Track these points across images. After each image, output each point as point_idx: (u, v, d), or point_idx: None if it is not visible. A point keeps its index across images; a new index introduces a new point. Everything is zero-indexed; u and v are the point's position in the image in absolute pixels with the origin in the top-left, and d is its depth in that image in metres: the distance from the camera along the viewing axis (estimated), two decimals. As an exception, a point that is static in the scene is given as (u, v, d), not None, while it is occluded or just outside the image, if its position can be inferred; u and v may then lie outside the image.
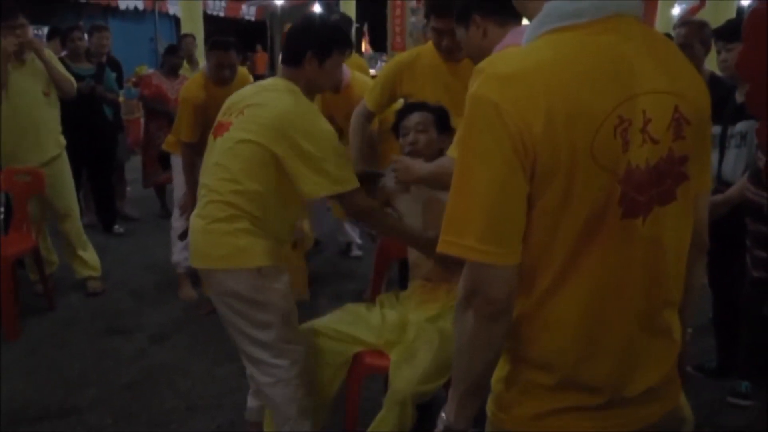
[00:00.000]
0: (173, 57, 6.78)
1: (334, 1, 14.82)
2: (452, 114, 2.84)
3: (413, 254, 2.91)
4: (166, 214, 6.57)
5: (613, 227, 1.21)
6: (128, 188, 7.18)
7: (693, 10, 10.80)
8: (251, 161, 2.46)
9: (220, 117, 2.64)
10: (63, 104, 4.75)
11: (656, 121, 1.23)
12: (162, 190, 7.00)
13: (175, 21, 16.02)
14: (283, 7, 20.67)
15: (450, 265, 2.67)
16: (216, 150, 2.55)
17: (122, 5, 15.41)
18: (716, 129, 3.44)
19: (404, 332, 2.65)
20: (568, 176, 1.17)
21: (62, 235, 4.77)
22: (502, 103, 1.17)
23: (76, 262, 4.84)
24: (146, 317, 4.41)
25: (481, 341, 1.26)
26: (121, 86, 7.28)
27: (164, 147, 5.52)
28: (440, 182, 2.52)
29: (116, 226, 6.38)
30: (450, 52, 3.22)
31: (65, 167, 4.72)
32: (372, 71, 13.80)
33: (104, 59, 6.46)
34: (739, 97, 3.31)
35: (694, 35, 3.67)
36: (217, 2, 17.91)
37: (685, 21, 4.06)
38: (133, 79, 8.87)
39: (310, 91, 2.61)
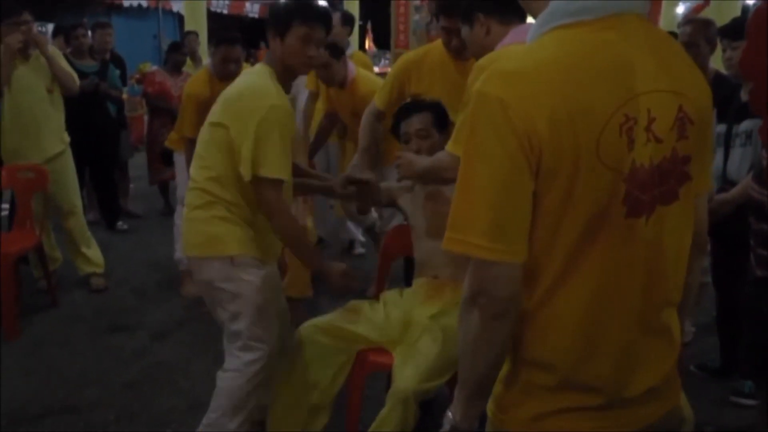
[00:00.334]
0: (176, 54, 6.78)
1: (338, -1, 14.81)
2: (459, 111, 2.85)
3: (420, 252, 2.91)
4: (169, 211, 6.57)
5: (616, 226, 1.21)
6: (131, 185, 7.18)
7: (697, 9, 10.76)
8: (220, 145, 2.49)
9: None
10: (66, 101, 4.75)
11: (660, 120, 1.23)
12: (165, 187, 7.01)
13: (179, 18, 16.02)
14: (286, 5, 20.67)
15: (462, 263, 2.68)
16: (199, 139, 2.64)
17: (126, 2, 15.42)
18: (721, 128, 3.43)
19: (407, 330, 2.65)
20: (573, 174, 1.17)
21: (66, 231, 4.78)
22: (508, 100, 1.16)
23: (79, 259, 4.84)
24: (148, 315, 4.41)
25: (487, 341, 1.26)
26: (124, 83, 7.29)
27: (167, 144, 5.52)
28: (438, 177, 2.54)
29: (119, 223, 6.38)
30: (459, 51, 3.24)
31: (69, 164, 4.73)
32: (375, 69, 13.79)
33: (108, 56, 6.46)
34: (744, 95, 3.30)
35: (698, 33, 3.66)
36: (221, 0, 17.91)
37: (689, 19, 4.06)
38: (137, 76, 8.89)
39: (286, 73, 2.56)
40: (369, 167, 3.32)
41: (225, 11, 18.34)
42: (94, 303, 4.64)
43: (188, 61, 7.15)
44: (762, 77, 2.38)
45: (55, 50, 4.77)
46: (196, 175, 2.58)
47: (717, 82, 3.65)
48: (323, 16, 2.54)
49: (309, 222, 4.35)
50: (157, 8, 17.08)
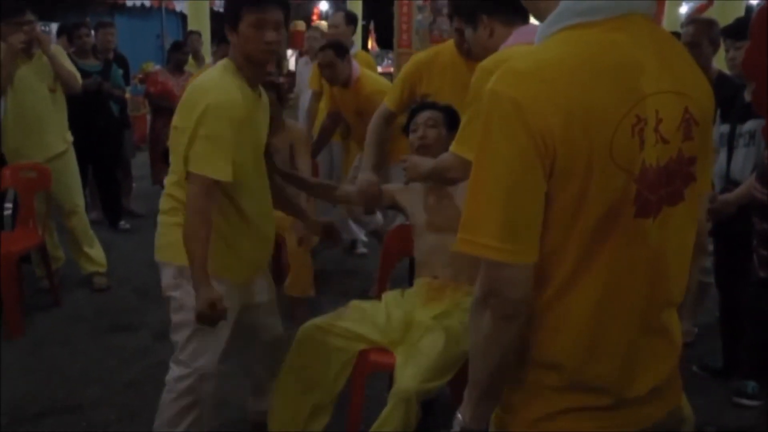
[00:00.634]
0: (178, 53, 6.79)
1: (341, -2, 14.82)
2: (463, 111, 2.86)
3: (420, 252, 2.91)
4: (172, 211, 6.58)
5: (625, 227, 1.21)
6: (134, 184, 7.19)
7: (700, 9, 10.77)
8: (177, 147, 2.45)
9: None
10: (69, 100, 4.76)
11: (667, 121, 1.23)
12: (167, 187, 7.00)
13: (182, 18, 16.03)
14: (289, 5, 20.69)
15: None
16: None
17: (129, 2, 15.44)
18: (725, 128, 3.42)
19: (409, 331, 2.65)
20: (586, 175, 1.17)
21: (68, 231, 4.78)
22: (522, 99, 1.16)
23: (82, 258, 4.85)
24: (150, 314, 4.41)
25: (498, 342, 1.25)
26: (127, 83, 7.29)
27: (169, 144, 5.52)
28: (443, 177, 2.55)
29: (122, 222, 6.38)
30: (471, 52, 3.24)
31: (71, 163, 4.73)
32: (378, 68, 13.78)
33: (111, 56, 6.47)
34: (748, 96, 3.30)
35: (702, 34, 3.65)
36: (224, -1, 17.96)
37: (692, 19, 4.05)
38: (140, 76, 8.90)
39: (248, 64, 2.45)
40: (372, 168, 3.32)
41: (228, 11, 18.33)
42: (97, 302, 4.64)
43: (191, 60, 7.17)
44: (765, 77, 2.38)
45: (58, 49, 4.77)
46: (167, 179, 2.58)
47: (720, 82, 3.65)
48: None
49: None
50: (160, 8, 17.08)
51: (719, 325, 3.68)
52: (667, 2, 11.78)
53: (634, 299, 1.27)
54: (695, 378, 3.51)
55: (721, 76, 3.79)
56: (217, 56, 4.61)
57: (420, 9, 6.75)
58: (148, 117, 7.63)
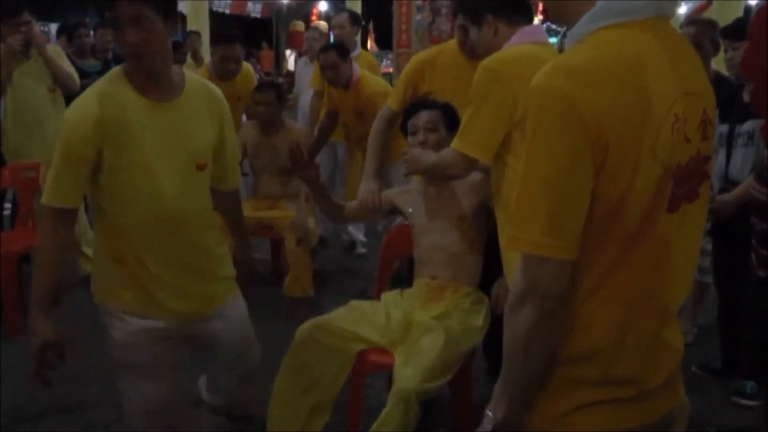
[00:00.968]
0: (176, 53, 6.76)
1: (340, -2, 14.83)
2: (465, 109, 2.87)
3: (420, 251, 2.92)
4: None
5: (659, 223, 1.26)
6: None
7: (700, 9, 10.77)
8: None
9: None
10: (69, 101, 4.75)
11: (690, 121, 1.27)
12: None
13: (181, 18, 16.03)
14: (288, 5, 20.69)
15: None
16: None
17: (128, 2, 15.43)
18: (724, 128, 3.43)
19: (408, 331, 2.65)
20: (633, 172, 1.20)
21: (67, 231, 4.78)
22: (576, 96, 1.17)
23: (81, 259, 4.84)
24: (150, 314, 4.41)
25: (538, 339, 1.26)
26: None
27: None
28: (443, 173, 2.56)
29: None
30: (474, 50, 3.25)
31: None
32: (378, 69, 13.75)
33: (110, 56, 6.46)
34: (747, 96, 3.30)
35: (703, 34, 3.65)
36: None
37: (693, 20, 4.05)
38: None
39: (133, 68, 2.11)
40: (375, 172, 3.33)
41: (227, 11, 18.35)
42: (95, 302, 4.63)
43: (189, 59, 7.16)
44: (764, 77, 2.38)
45: (56, 49, 4.77)
46: None
47: (717, 82, 3.64)
48: None
49: (311, 222, 4.36)
50: (159, 8, 17.07)
51: (718, 325, 3.68)
52: (666, 2, 11.79)
53: (658, 293, 1.30)
54: (694, 378, 3.51)
55: (718, 76, 3.79)
56: (214, 57, 4.60)
57: (419, 9, 6.76)
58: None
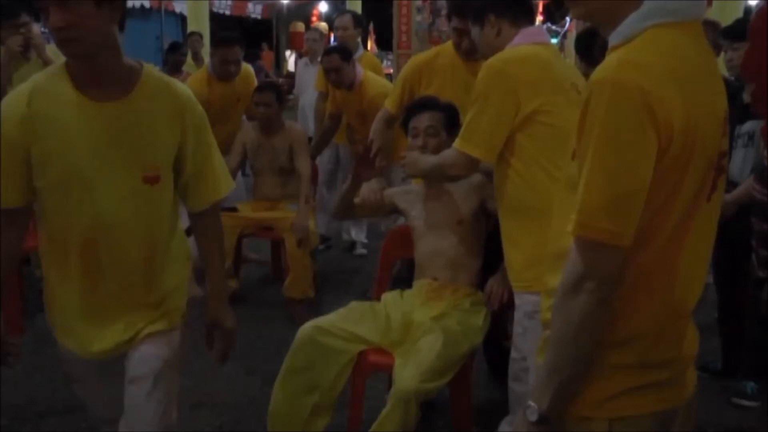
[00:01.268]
0: (176, 55, 6.80)
1: (341, 0, 14.83)
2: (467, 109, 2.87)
3: (420, 253, 2.92)
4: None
5: (700, 212, 1.33)
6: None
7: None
8: None
9: None
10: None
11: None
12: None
13: (182, 19, 16.01)
14: (288, 6, 20.68)
15: None
16: None
17: (129, 3, 15.44)
18: (723, 128, 3.43)
19: (408, 332, 2.65)
20: (686, 164, 1.26)
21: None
22: (648, 88, 1.21)
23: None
24: (151, 315, 4.41)
25: (590, 326, 1.29)
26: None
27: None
28: (443, 174, 2.56)
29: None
30: (469, 52, 3.27)
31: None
32: (378, 70, 13.72)
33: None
34: (747, 97, 3.31)
35: (706, 36, 3.66)
36: (223, 1, 17.90)
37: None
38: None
39: (70, 60, 1.90)
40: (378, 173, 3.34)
41: (228, 12, 18.36)
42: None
43: (189, 60, 7.16)
44: (764, 78, 2.39)
45: (56, 50, 4.76)
46: None
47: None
48: None
49: (311, 224, 4.36)
50: (159, 9, 17.07)
51: (718, 325, 3.68)
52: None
53: (693, 279, 1.37)
54: (694, 379, 3.51)
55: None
56: (214, 59, 4.61)
57: (419, 10, 6.76)
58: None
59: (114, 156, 1.83)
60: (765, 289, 3.18)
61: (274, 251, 5.02)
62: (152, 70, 1.97)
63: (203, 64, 6.94)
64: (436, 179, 2.85)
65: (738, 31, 3.45)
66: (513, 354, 2.60)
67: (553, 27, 12.49)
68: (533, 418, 1.33)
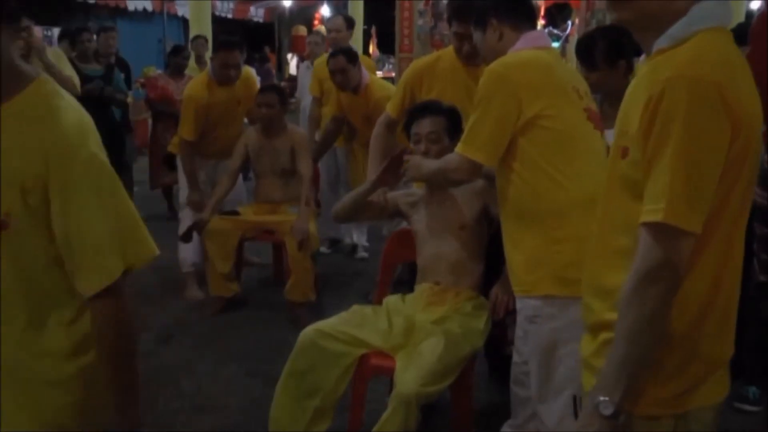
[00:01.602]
0: (178, 58, 6.80)
1: (342, 3, 14.85)
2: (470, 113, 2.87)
3: (423, 257, 2.92)
4: (173, 216, 6.59)
5: (747, 207, 1.39)
6: (135, 189, 7.19)
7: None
8: None
9: None
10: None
11: None
12: (168, 191, 7.01)
13: (184, 22, 16.05)
14: (290, 9, 20.71)
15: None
16: None
17: (131, 6, 15.45)
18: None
19: (410, 335, 2.65)
20: (743, 160, 1.32)
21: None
22: (725, 84, 1.28)
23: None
24: (152, 318, 4.41)
25: (662, 316, 1.33)
26: (129, 87, 7.30)
27: (170, 149, 5.53)
28: (445, 178, 2.56)
29: (123, 227, 6.37)
30: (470, 56, 3.27)
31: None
32: (379, 73, 13.77)
33: (113, 60, 6.47)
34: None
35: None
36: (226, 4, 17.93)
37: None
38: (141, 80, 8.90)
39: None
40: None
41: (230, 15, 18.39)
42: (98, 306, 4.63)
43: (193, 64, 7.17)
44: (765, 82, 2.39)
45: (58, 53, 4.77)
46: None
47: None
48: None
49: (312, 227, 4.35)
50: (162, 12, 17.12)
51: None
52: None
53: (738, 274, 1.42)
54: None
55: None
56: (214, 63, 4.61)
57: (421, 13, 6.77)
58: (149, 122, 7.63)
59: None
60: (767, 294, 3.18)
61: (276, 254, 5.02)
62: (47, 89, 1.49)
63: (206, 68, 6.96)
64: (438, 184, 2.85)
65: (739, 35, 3.43)
66: (515, 358, 2.60)
67: (555, 31, 12.49)
68: (608, 412, 1.34)
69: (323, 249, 5.51)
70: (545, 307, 2.29)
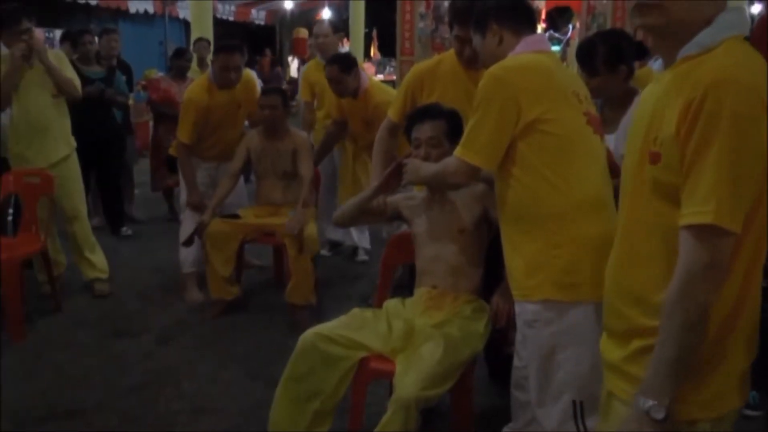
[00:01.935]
0: (180, 60, 6.81)
1: (343, 5, 14.85)
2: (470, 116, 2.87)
3: (422, 260, 2.92)
4: (174, 217, 6.60)
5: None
6: (136, 191, 7.20)
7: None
8: None
9: None
10: (73, 107, 4.77)
11: None
12: (170, 194, 7.02)
13: (185, 25, 16.05)
14: (292, 12, 20.72)
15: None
16: None
17: (132, 8, 15.47)
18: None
19: (410, 339, 2.65)
20: None
21: (70, 236, 4.78)
22: (763, 87, 1.32)
23: (83, 264, 4.85)
24: (152, 319, 4.42)
25: (707, 316, 1.35)
26: (131, 89, 7.31)
27: (171, 151, 5.54)
28: (444, 182, 2.56)
29: (124, 228, 6.39)
30: (471, 60, 3.27)
31: (74, 169, 4.73)
32: (380, 76, 13.77)
33: (114, 62, 6.49)
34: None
35: None
36: (227, 6, 17.92)
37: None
38: (143, 83, 8.91)
39: None
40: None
41: (231, 18, 18.39)
42: (98, 307, 4.64)
43: (195, 66, 7.18)
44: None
45: (59, 55, 4.77)
46: None
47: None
48: None
49: (311, 229, 4.36)
50: (163, 15, 17.12)
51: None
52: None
53: (761, 275, 1.43)
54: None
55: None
56: (215, 66, 4.62)
57: (422, 17, 6.77)
58: (151, 124, 7.64)
59: None
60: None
61: (276, 257, 5.03)
62: None
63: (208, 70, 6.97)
64: (437, 187, 2.86)
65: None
66: (515, 362, 2.60)
67: (556, 34, 12.50)
68: (660, 416, 1.36)
69: (324, 252, 5.51)
70: (544, 311, 2.29)
